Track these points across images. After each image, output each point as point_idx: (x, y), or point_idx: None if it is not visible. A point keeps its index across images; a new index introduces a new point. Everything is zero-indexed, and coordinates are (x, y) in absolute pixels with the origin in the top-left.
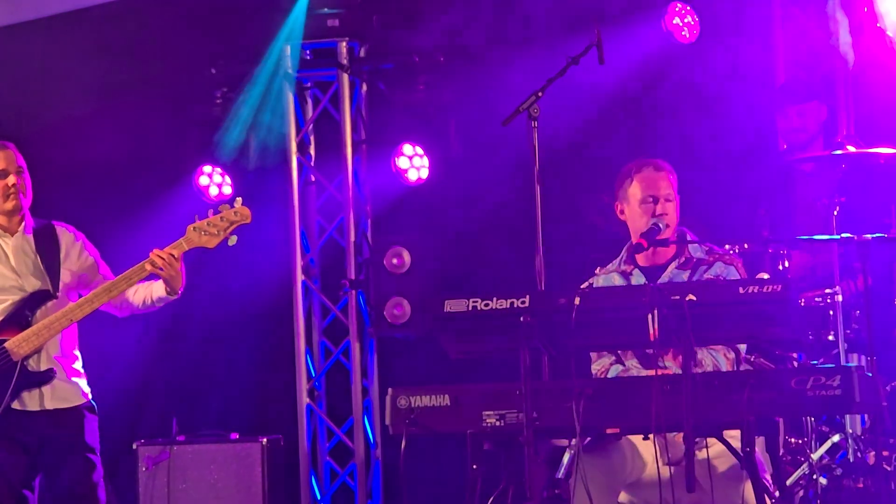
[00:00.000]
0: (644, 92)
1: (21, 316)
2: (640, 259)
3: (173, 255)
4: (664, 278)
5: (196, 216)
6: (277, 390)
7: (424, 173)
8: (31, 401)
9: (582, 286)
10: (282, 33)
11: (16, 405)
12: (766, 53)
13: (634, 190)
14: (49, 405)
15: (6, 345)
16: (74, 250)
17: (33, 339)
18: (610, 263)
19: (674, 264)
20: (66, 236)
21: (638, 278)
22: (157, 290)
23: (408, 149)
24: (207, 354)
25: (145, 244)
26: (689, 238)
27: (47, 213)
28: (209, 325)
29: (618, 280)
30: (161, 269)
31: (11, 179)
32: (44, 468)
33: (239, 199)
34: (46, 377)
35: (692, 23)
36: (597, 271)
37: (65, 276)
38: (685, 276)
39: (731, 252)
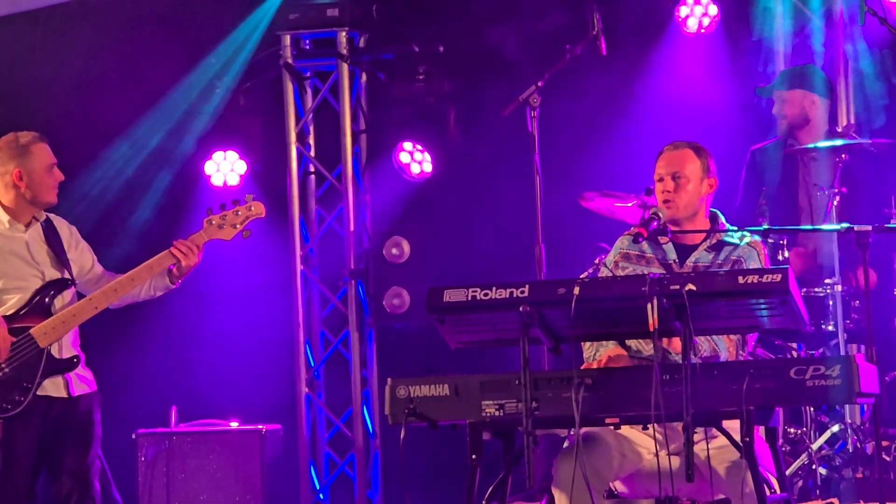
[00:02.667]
0: (649, 81)
1: (42, 304)
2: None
3: (197, 245)
4: (692, 258)
5: (209, 210)
6: (277, 380)
7: (427, 167)
8: (53, 387)
9: (597, 259)
10: (251, 19)
11: (38, 392)
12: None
13: (657, 169)
14: (74, 392)
15: (32, 331)
16: (73, 240)
17: (60, 327)
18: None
19: (704, 245)
20: (64, 228)
21: (671, 252)
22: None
23: (408, 145)
24: (207, 344)
25: (153, 235)
26: (721, 222)
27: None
28: (208, 315)
29: (646, 246)
30: (184, 257)
31: (59, 173)
32: (50, 452)
33: (250, 196)
34: (72, 364)
35: (705, 14)
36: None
37: (73, 267)
38: (710, 257)
39: (756, 237)
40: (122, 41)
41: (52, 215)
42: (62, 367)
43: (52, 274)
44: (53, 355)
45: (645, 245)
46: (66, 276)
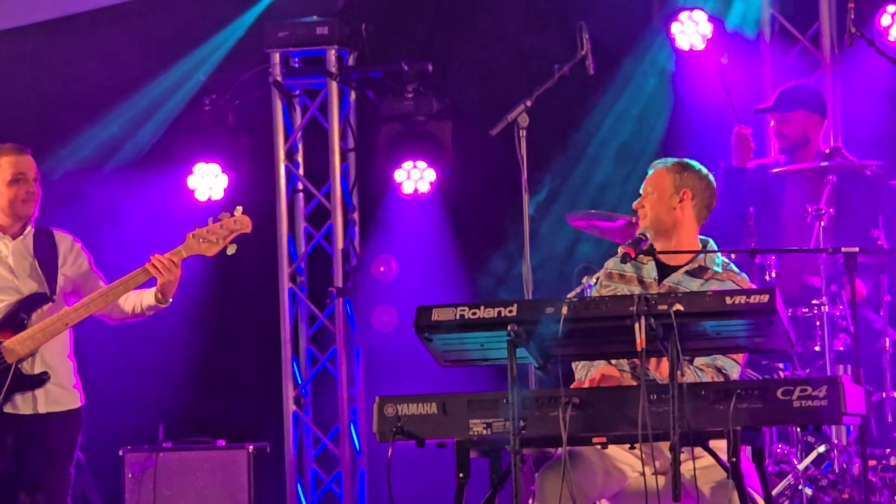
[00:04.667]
0: (641, 99)
1: (16, 318)
2: (661, 255)
3: (173, 261)
4: (672, 279)
5: (196, 224)
6: (264, 397)
7: (424, 186)
8: (23, 404)
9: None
10: (225, 31)
11: (8, 408)
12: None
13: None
14: (42, 409)
15: (1, 346)
16: (71, 255)
17: (29, 341)
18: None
19: (685, 269)
20: (65, 242)
21: (650, 271)
22: (147, 297)
23: (407, 164)
24: (194, 361)
25: (138, 248)
26: (711, 247)
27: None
28: (195, 333)
29: (628, 268)
30: (161, 273)
31: (33, 185)
32: (23, 470)
33: (239, 208)
34: (40, 381)
35: (696, 31)
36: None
37: (61, 281)
38: (695, 284)
39: (744, 275)
40: (115, 51)
41: (56, 230)
42: (31, 383)
43: (30, 287)
44: (23, 371)
45: (628, 265)
46: (46, 290)
